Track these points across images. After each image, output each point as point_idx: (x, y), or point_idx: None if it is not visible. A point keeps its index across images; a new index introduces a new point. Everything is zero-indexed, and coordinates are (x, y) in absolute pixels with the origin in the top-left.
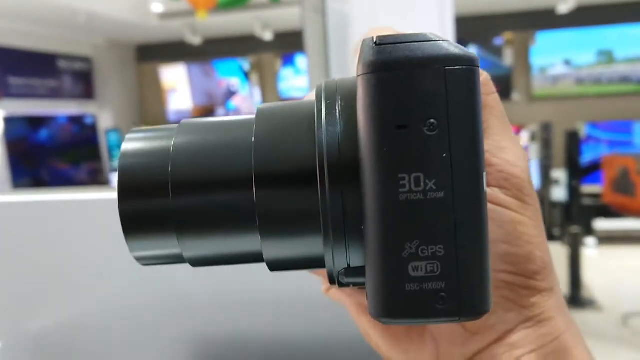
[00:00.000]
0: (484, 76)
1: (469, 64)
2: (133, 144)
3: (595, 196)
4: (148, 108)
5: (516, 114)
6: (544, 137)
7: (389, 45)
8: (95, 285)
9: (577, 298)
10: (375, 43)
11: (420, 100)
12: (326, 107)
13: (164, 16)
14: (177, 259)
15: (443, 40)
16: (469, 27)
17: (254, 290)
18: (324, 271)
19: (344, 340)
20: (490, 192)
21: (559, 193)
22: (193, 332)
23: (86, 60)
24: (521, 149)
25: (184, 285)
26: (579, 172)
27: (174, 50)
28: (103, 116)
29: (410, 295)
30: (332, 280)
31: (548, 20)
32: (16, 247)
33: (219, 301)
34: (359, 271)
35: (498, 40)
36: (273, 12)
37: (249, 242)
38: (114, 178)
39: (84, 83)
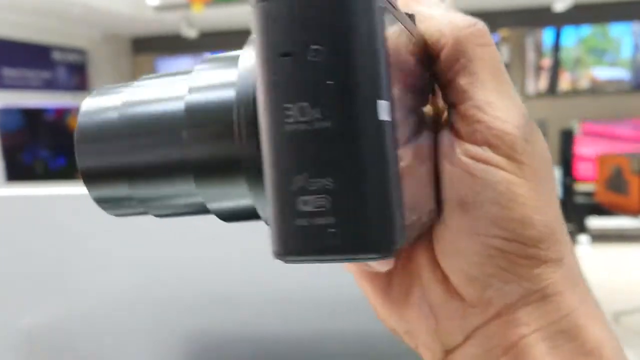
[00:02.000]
0: (479, 26)
1: None
2: (91, 100)
3: (588, 194)
4: None
5: None
6: None
7: None
8: (90, 282)
9: None
10: None
11: (305, 26)
12: (249, 52)
13: (160, 9)
14: (131, 203)
15: None
16: None
17: (254, 289)
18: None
19: (347, 338)
20: (479, 149)
21: None
22: (190, 330)
23: (81, 52)
24: (517, 104)
25: (183, 281)
26: (572, 170)
27: (170, 43)
28: None
29: (300, 231)
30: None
31: (544, 17)
32: (8, 242)
33: (217, 299)
34: None
35: (494, 37)
36: None
37: (187, 191)
38: None
39: (78, 75)
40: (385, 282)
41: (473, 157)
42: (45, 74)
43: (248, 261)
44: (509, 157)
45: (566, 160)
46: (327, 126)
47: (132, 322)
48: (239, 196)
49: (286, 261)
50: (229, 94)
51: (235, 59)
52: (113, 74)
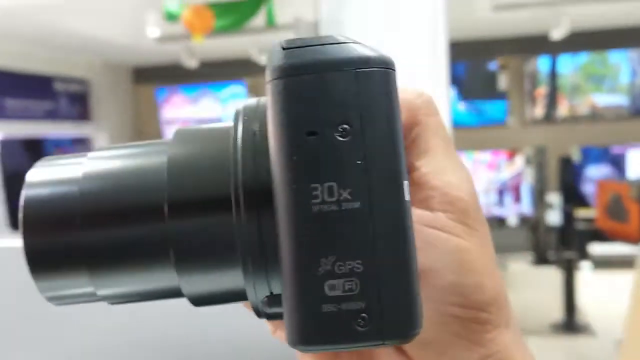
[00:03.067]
0: (425, 97)
1: (383, 65)
2: (40, 172)
3: (589, 220)
4: (144, 130)
5: (511, 138)
6: (538, 162)
7: (297, 49)
8: (86, 329)
9: (571, 323)
10: (282, 47)
11: (331, 104)
12: (243, 129)
13: (161, 39)
14: (91, 297)
15: (354, 42)
16: (463, 51)
17: (249, 336)
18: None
19: None
20: (433, 216)
21: (554, 217)
22: None
23: (82, 82)
24: (466, 171)
25: (180, 324)
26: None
27: (171, 73)
28: (99, 138)
29: (328, 318)
30: (257, 313)
31: (542, 45)
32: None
33: (211, 344)
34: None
35: (492, 65)
36: (269, 36)
37: (166, 277)
38: None
39: (80, 104)
40: (332, 354)
41: (427, 224)
42: (48, 104)
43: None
44: (463, 223)
45: (566, 186)
46: (356, 207)
47: None
48: (227, 280)
49: (307, 350)
50: (221, 169)
51: (212, 133)
52: (114, 104)
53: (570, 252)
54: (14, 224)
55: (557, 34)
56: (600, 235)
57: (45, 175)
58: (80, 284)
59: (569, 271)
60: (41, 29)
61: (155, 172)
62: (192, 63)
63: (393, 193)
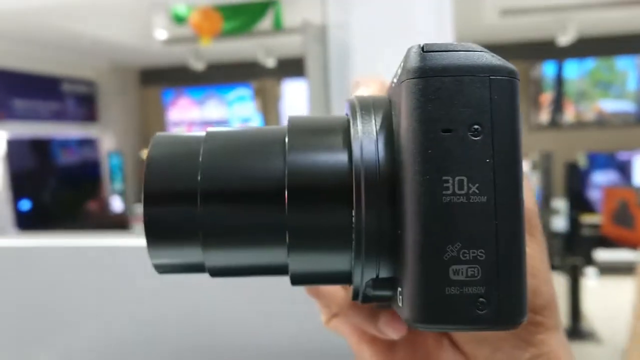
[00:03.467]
0: None
1: (511, 75)
2: (160, 149)
3: (595, 227)
4: (150, 131)
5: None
6: (544, 167)
7: (436, 53)
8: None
9: (577, 329)
10: (422, 49)
11: (466, 105)
12: (362, 121)
13: (168, 42)
14: (198, 268)
15: (486, 52)
16: None
17: (249, 341)
18: (329, 298)
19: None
20: None
21: (559, 223)
22: None
23: (90, 83)
24: (530, 183)
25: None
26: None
27: (177, 75)
28: (105, 139)
29: (451, 299)
30: (356, 294)
31: (549, 50)
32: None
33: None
34: (387, 282)
35: None
36: (276, 39)
37: (275, 255)
38: (114, 201)
39: (87, 106)
40: (387, 346)
41: None
42: (55, 105)
43: (241, 313)
44: (527, 231)
45: (572, 192)
46: (483, 201)
47: None
48: (336, 262)
49: (427, 329)
50: (341, 157)
51: (334, 125)
52: (121, 105)
53: (576, 258)
54: (20, 224)
55: (563, 39)
56: (606, 242)
57: (167, 150)
58: (191, 255)
59: (575, 277)
60: (49, 31)
61: (275, 158)
62: (199, 65)
63: (514, 191)
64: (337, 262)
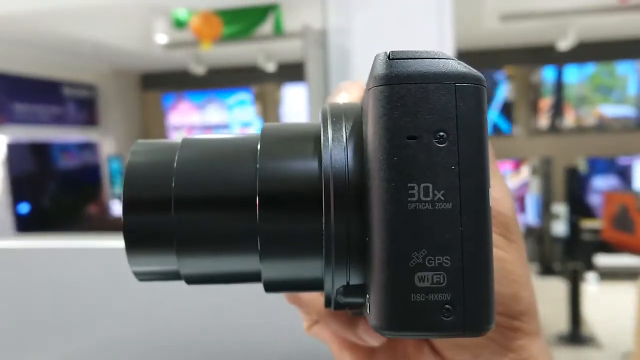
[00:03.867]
0: None
1: (477, 82)
2: (139, 156)
3: (595, 231)
4: (150, 136)
5: (517, 148)
6: (545, 172)
7: (402, 60)
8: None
9: (577, 335)
10: (388, 57)
11: (431, 112)
12: (333, 128)
13: (169, 46)
14: (174, 276)
15: (452, 59)
16: (470, 61)
17: (248, 340)
18: (309, 305)
19: None
20: None
21: (559, 228)
22: None
23: (90, 87)
24: (507, 187)
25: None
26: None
27: (178, 79)
28: (105, 143)
29: (416, 306)
30: (328, 302)
31: (549, 55)
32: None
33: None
34: (358, 289)
35: (499, 75)
36: (276, 44)
37: (248, 262)
38: (115, 205)
39: (88, 110)
40: (367, 353)
41: None
42: (56, 109)
43: (243, 313)
44: (503, 235)
45: (572, 197)
46: (448, 207)
47: None
48: (308, 269)
49: (393, 335)
50: (311, 165)
51: (305, 133)
52: (122, 109)
53: (576, 263)
54: (19, 228)
55: (563, 44)
56: (607, 247)
57: (143, 159)
58: (167, 263)
59: (575, 282)
60: (50, 35)
61: (247, 166)
62: (199, 70)
63: (480, 198)
64: (309, 269)
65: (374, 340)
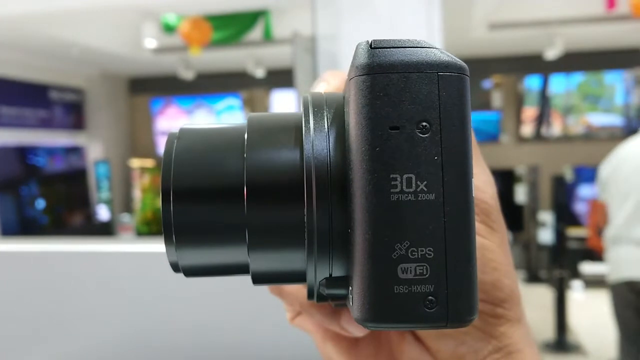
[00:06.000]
0: None
1: (460, 71)
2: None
3: (581, 240)
4: (138, 140)
5: (504, 156)
6: (531, 180)
7: (384, 49)
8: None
9: (562, 342)
10: (370, 46)
11: (413, 102)
12: (314, 118)
13: (158, 51)
14: (175, 267)
15: (434, 48)
16: None
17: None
18: (292, 296)
19: None
20: None
21: (546, 236)
22: None
23: (78, 91)
24: (489, 175)
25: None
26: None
27: (166, 84)
28: (93, 147)
29: (399, 298)
30: (311, 294)
31: (536, 64)
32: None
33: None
34: (340, 281)
35: (487, 83)
36: (265, 50)
37: (239, 254)
38: (100, 210)
39: (75, 114)
40: (351, 343)
41: None
42: (43, 113)
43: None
44: (485, 223)
45: (559, 205)
46: (431, 199)
47: None
48: (292, 261)
49: (376, 328)
50: (292, 155)
51: (288, 122)
52: (109, 113)
53: (562, 271)
54: (4, 232)
55: (551, 53)
56: (592, 255)
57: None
58: (170, 254)
59: (561, 290)
60: (39, 39)
61: (236, 156)
62: (188, 75)
63: (463, 189)
64: (294, 260)
65: (357, 330)
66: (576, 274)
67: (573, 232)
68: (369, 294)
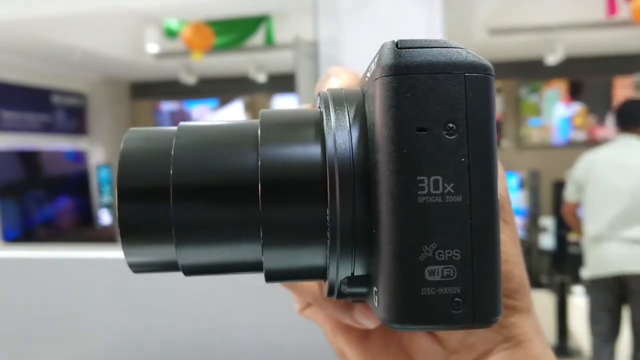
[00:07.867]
0: None
1: (487, 72)
2: (133, 144)
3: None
4: None
5: (505, 161)
6: (533, 185)
7: (410, 50)
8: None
9: (563, 347)
10: (396, 46)
11: (440, 104)
12: (335, 114)
13: (160, 56)
14: (171, 267)
15: (460, 48)
16: None
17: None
18: (304, 288)
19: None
20: None
21: (547, 241)
22: None
23: (80, 95)
24: (501, 168)
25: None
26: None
27: (169, 89)
28: (95, 152)
29: (426, 300)
30: (331, 291)
31: (537, 70)
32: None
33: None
34: (362, 280)
35: None
36: (267, 55)
37: (249, 252)
38: (102, 214)
39: (77, 118)
40: (362, 335)
41: None
42: (45, 117)
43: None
44: (500, 217)
45: (560, 211)
46: (458, 200)
47: None
48: (311, 259)
49: (403, 329)
50: (314, 151)
51: (306, 119)
52: (111, 118)
53: (563, 276)
54: (6, 237)
55: (552, 59)
56: None
57: (139, 145)
58: (165, 253)
59: (562, 295)
60: (41, 43)
61: (247, 152)
62: (190, 79)
63: (489, 191)
64: (312, 258)
65: (370, 322)
66: (577, 279)
67: (574, 237)
68: (396, 296)
